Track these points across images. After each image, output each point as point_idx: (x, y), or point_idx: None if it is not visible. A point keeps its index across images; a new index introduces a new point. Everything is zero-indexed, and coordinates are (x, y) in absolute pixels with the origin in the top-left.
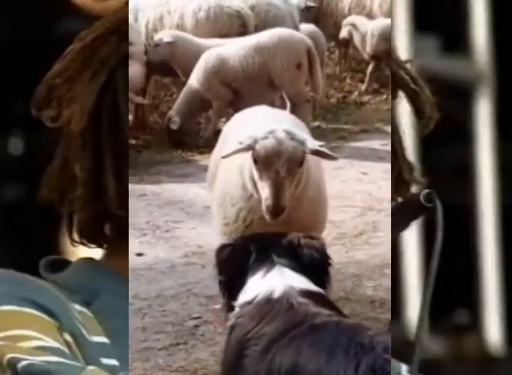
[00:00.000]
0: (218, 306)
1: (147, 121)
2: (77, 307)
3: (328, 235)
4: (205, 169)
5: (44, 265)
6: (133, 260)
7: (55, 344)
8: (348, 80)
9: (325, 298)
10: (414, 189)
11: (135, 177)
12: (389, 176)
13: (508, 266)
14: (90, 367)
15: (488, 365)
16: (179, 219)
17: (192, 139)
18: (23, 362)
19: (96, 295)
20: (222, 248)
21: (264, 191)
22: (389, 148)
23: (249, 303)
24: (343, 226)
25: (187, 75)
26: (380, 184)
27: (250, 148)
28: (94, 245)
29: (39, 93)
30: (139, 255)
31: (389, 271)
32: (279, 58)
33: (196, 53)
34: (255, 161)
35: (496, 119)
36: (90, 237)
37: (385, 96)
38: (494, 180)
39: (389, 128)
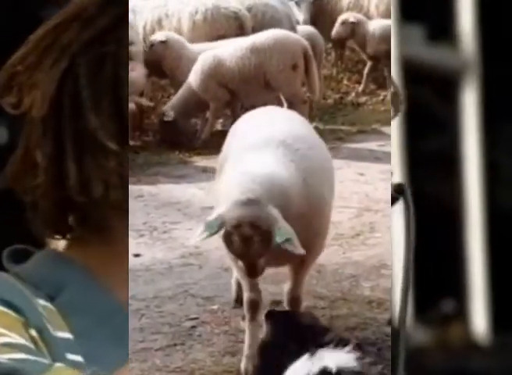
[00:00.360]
0: (215, 307)
1: (144, 122)
2: (41, 302)
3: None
4: (202, 170)
5: (8, 255)
6: (130, 261)
7: (21, 341)
8: (345, 81)
9: None
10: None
11: (132, 178)
12: (385, 177)
13: (493, 256)
14: (57, 364)
15: (475, 353)
16: (177, 220)
17: (189, 140)
18: None
19: (60, 289)
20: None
21: (240, 263)
22: (385, 148)
23: None
24: (341, 226)
25: (174, 77)
26: (377, 185)
27: (219, 229)
28: (58, 236)
29: (0, 80)
30: (136, 255)
31: (386, 271)
32: (275, 60)
33: (185, 57)
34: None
35: (483, 109)
36: (54, 227)
37: (381, 97)
38: (480, 171)
39: (386, 129)
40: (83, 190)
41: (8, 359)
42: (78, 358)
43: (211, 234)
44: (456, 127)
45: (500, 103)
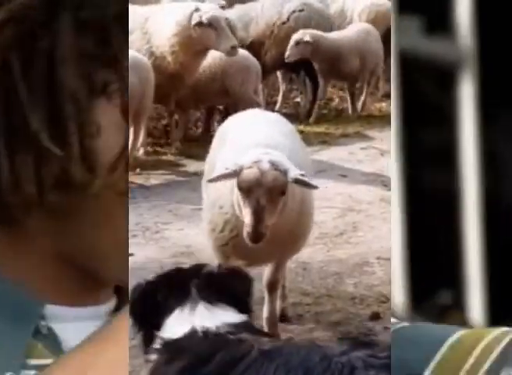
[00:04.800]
0: None
1: None
2: None
3: (310, 235)
4: (193, 172)
5: None
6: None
7: None
8: (329, 88)
9: (250, 324)
10: None
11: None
12: (367, 179)
13: (491, 247)
14: None
15: None
16: (168, 221)
17: None
18: None
19: None
20: (134, 289)
21: (246, 217)
22: (367, 151)
23: (172, 342)
24: (325, 226)
25: None
26: (359, 187)
27: (235, 174)
28: None
29: None
30: (129, 255)
31: (368, 268)
32: None
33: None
34: (239, 188)
35: (480, 100)
36: None
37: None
38: (477, 162)
39: (368, 132)
40: (16, 190)
41: None
42: None
43: (227, 176)
44: (454, 121)
45: (498, 94)
